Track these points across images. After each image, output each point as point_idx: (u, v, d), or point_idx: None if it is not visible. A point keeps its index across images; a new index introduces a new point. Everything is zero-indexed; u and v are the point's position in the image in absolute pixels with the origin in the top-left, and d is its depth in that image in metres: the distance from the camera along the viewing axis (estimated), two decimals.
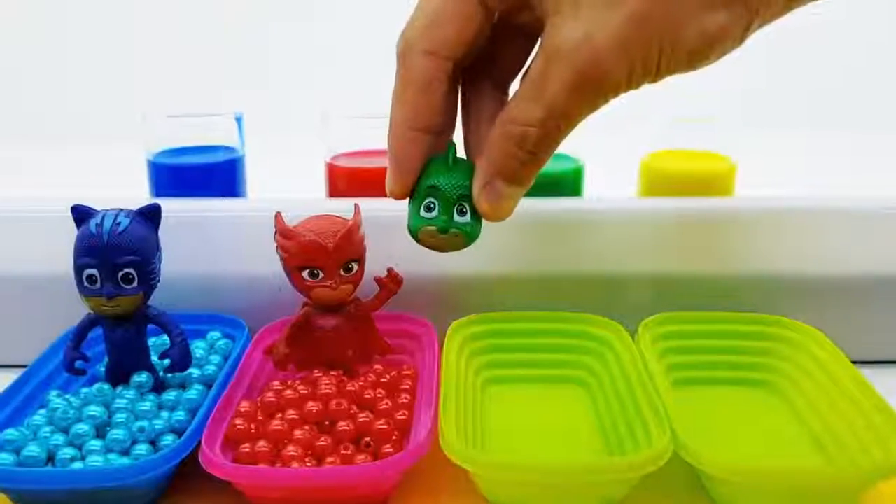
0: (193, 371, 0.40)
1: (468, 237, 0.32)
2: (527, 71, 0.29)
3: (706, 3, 0.27)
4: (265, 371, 0.41)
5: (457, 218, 0.31)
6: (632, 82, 0.28)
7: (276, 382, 0.39)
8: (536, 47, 0.29)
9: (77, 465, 0.34)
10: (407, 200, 0.33)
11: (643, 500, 0.34)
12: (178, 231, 0.41)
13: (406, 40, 0.30)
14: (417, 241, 0.32)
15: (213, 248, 0.46)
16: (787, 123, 1.03)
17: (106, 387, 0.38)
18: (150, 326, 0.39)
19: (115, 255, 0.36)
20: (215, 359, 0.42)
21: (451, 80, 0.30)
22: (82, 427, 0.35)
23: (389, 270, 0.40)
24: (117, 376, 0.39)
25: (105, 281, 0.36)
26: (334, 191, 0.54)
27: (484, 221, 0.32)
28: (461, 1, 0.29)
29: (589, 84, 0.27)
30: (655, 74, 0.28)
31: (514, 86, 0.30)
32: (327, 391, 0.37)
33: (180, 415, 0.37)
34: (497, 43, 0.31)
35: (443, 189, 0.31)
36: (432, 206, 0.32)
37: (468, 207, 0.31)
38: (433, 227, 0.31)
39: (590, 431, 0.39)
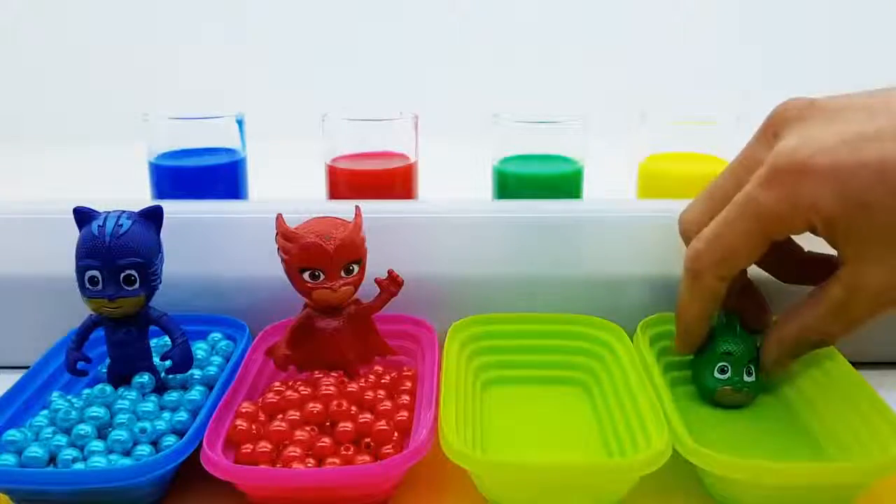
0: (195, 372, 0.41)
1: (755, 394, 0.40)
2: (821, 292, 0.36)
3: None
4: (266, 372, 0.42)
5: (745, 378, 0.39)
6: None
7: (277, 383, 0.39)
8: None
9: (79, 466, 0.34)
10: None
11: (643, 500, 0.34)
12: (179, 233, 0.41)
13: (701, 264, 0.37)
14: (712, 396, 0.40)
15: (214, 249, 0.46)
16: None
17: (108, 388, 0.38)
18: (152, 328, 0.39)
19: (117, 256, 0.36)
20: (217, 360, 0.42)
21: None
22: (84, 428, 0.35)
23: (390, 272, 0.40)
24: (119, 377, 0.39)
25: (107, 282, 0.37)
26: (335, 192, 0.54)
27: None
28: (753, 242, 0.35)
29: (890, 311, 0.35)
30: None
31: None
32: (328, 392, 0.37)
33: (182, 416, 0.37)
34: None
35: (736, 356, 0.39)
36: (725, 369, 0.39)
37: (754, 370, 0.39)
38: (728, 387, 0.39)
39: (589, 432, 0.39)
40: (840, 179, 0.32)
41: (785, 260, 0.40)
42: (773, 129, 0.36)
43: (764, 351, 0.39)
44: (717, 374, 0.39)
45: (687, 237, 0.39)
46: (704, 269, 0.37)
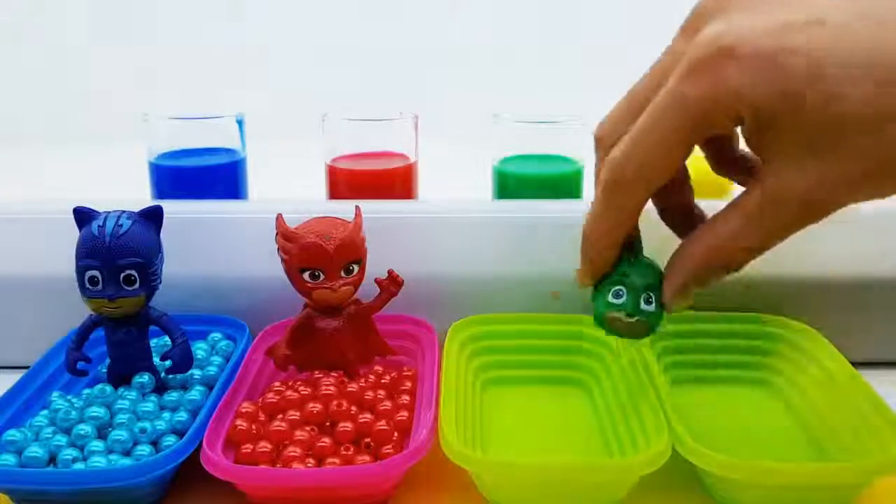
0: (195, 372, 0.41)
1: (652, 326, 0.35)
2: (738, 201, 0.32)
3: None
4: (266, 372, 0.42)
5: (643, 306, 0.34)
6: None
7: (277, 383, 0.39)
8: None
9: (79, 466, 0.34)
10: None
11: (643, 500, 0.34)
12: (179, 233, 0.41)
13: (622, 174, 0.32)
14: (603, 323, 0.35)
15: (214, 249, 0.46)
16: None
17: (108, 388, 0.38)
18: (152, 328, 0.39)
19: (117, 256, 0.36)
20: (217, 360, 0.42)
21: None
22: (84, 428, 0.35)
23: (390, 272, 0.40)
24: (119, 377, 0.39)
25: (107, 282, 0.37)
26: (335, 193, 0.54)
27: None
28: (680, 144, 0.31)
29: (811, 220, 0.31)
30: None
31: None
32: (328, 392, 0.37)
33: (182, 416, 0.37)
34: None
35: (633, 279, 0.35)
36: (621, 293, 0.35)
37: (654, 298, 0.34)
38: (622, 312, 0.34)
39: (589, 432, 0.39)
40: (769, 66, 0.29)
41: (723, 149, 0.37)
42: (693, 27, 0.32)
43: (667, 275, 0.34)
44: (611, 299, 0.35)
45: (603, 148, 0.35)
46: (625, 180, 0.32)
